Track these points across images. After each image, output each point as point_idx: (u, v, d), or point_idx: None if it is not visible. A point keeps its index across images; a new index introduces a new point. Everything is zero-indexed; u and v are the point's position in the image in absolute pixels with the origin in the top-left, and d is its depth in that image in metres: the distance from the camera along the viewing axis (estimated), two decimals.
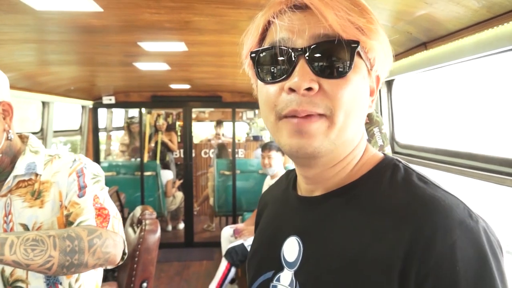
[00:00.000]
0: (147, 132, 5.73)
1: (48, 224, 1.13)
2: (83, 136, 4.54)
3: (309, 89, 0.56)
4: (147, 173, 5.07)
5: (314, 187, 0.67)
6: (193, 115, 5.62)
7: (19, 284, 1.11)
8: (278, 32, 0.59)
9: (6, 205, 1.13)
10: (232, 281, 3.52)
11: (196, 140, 7.07)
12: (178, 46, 2.20)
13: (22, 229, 1.12)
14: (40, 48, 2.22)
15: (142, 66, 2.95)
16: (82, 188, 1.15)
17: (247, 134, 7.71)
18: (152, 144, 5.85)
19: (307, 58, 0.56)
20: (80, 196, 1.13)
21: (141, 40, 2.05)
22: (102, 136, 5.64)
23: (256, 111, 7.11)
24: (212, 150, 6.51)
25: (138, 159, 5.25)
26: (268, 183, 3.74)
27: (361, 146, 0.65)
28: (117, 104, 4.83)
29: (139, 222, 2.16)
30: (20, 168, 1.14)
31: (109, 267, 1.12)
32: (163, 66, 2.99)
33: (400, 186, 0.59)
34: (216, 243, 4.81)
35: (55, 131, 3.69)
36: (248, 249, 3.29)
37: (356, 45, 0.57)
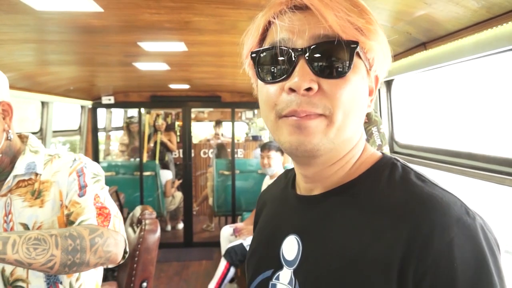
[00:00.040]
0: (146, 132, 5.73)
1: (48, 224, 1.13)
2: (82, 136, 4.54)
3: (308, 89, 0.56)
4: (146, 173, 5.07)
5: (313, 185, 0.68)
6: (192, 115, 5.62)
7: (20, 283, 1.11)
8: (278, 32, 0.59)
9: (6, 205, 1.13)
10: (231, 280, 3.52)
11: (195, 140, 7.07)
12: (178, 46, 2.20)
13: (22, 228, 1.12)
14: (40, 48, 2.22)
15: (142, 66, 2.95)
16: (82, 188, 1.15)
17: (246, 134, 7.71)
18: (151, 144, 5.84)
19: (307, 58, 0.57)
20: (80, 196, 1.14)
21: (141, 40, 2.05)
22: (101, 136, 5.63)
23: (255, 111, 7.12)
24: (211, 150, 6.51)
25: (137, 159, 5.25)
26: (267, 183, 3.74)
27: (360, 145, 0.66)
28: (116, 104, 4.83)
29: (139, 222, 2.16)
30: (20, 168, 1.14)
31: (109, 266, 1.13)
32: (162, 66, 2.99)
33: (398, 184, 0.60)
34: (215, 243, 4.81)
35: (54, 131, 3.69)
36: (247, 248, 3.29)
37: (355, 45, 0.57)
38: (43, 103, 3.49)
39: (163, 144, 5.86)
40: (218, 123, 6.64)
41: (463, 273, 0.49)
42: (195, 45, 2.21)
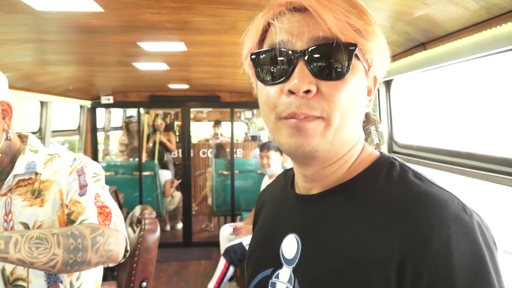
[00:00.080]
0: (145, 132, 5.73)
1: (48, 223, 1.13)
2: (81, 136, 4.54)
3: (307, 91, 0.57)
4: (145, 173, 5.07)
5: (312, 185, 0.68)
6: (191, 115, 5.62)
7: (20, 282, 1.11)
8: (277, 34, 0.59)
9: (6, 204, 1.13)
10: (230, 279, 3.52)
11: (194, 140, 7.07)
12: (177, 46, 2.20)
13: (23, 228, 1.12)
14: (40, 48, 2.22)
15: (141, 66, 2.95)
16: (83, 187, 1.15)
17: (245, 134, 7.71)
18: (150, 144, 5.84)
19: (306, 60, 0.57)
20: (81, 195, 1.14)
21: (141, 40, 2.06)
22: (100, 136, 5.63)
23: (255, 111, 7.12)
24: (210, 150, 6.51)
25: (137, 159, 5.25)
26: (266, 183, 3.74)
27: (358, 145, 0.67)
28: (116, 104, 4.83)
29: (139, 221, 2.16)
30: (20, 168, 1.14)
31: (110, 265, 1.13)
32: (162, 66, 3.00)
33: (396, 183, 0.60)
34: (214, 243, 4.81)
35: (53, 131, 3.69)
36: (247, 248, 3.29)
37: (354, 48, 0.58)
38: (42, 103, 3.48)
39: (162, 144, 5.86)
40: (217, 123, 6.64)
41: (461, 270, 0.50)
42: (195, 45, 2.21)
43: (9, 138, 1.14)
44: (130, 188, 4.91)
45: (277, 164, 3.53)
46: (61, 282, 1.15)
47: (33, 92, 3.17)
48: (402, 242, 0.53)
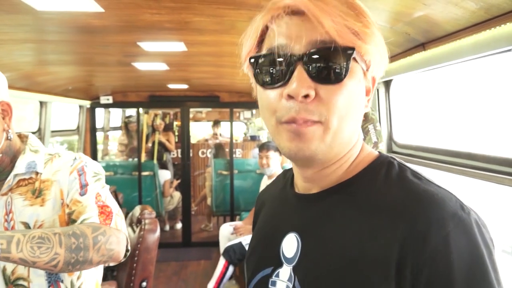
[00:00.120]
0: (144, 132, 5.73)
1: (49, 222, 1.13)
2: (80, 136, 4.53)
3: (306, 95, 0.57)
4: (144, 173, 5.07)
5: (311, 185, 0.69)
6: (190, 115, 5.62)
7: (21, 282, 1.11)
8: (276, 38, 0.60)
9: (7, 204, 1.13)
10: (229, 277, 3.52)
11: (193, 140, 7.07)
12: (177, 46, 2.21)
13: (23, 227, 1.12)
14: (40, 48, 2.22)
15: (141, 66, 2.96)
16: (83, 186, 1.15)
17: (245, 134, 7.71)
18: (149, 144, 5.84)
19: (304, 64, 0.58)
20: (82, 194, 1.14)
21: (141, 40, 2.06)
22: (99, 136, 5.63)
23: (254, 111, 7.12)
24: (209, 150, 6.51)
25: (136, 159, 5.25)
26: (265, 183, 3.74)
27: (357, 145, 0.67)
28: (115, 104, 4.83)
29: (139, 221, 2.17)
30: (20, 167, 1.14)
31: (111, 264, 1.13)
32: (161, 66, 3.00)
33: (394, 182, 0.61)
34: (213, 243, 4.81)
35: (52, 131, 3.69)
36: (246, 247, 3.30)
37: (352, 51, 0.58)
38: (41, 103, 3.48)
39: (161, 144, 5.86)
40: (216, 123, 6.64)
41: (459, 266, 0.51)
42: (194, 45, 2.21)
43: (9, 138, 1.14)
44: (129, 188, 4.91)
45: (276, 164, 3.54)
46: (62, 281, 1.15)
47: (33, 92, 3.17)
48: (401, 241, 0.54)
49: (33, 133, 3.37)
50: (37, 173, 1.17)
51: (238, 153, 6.54)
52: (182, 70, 3.29)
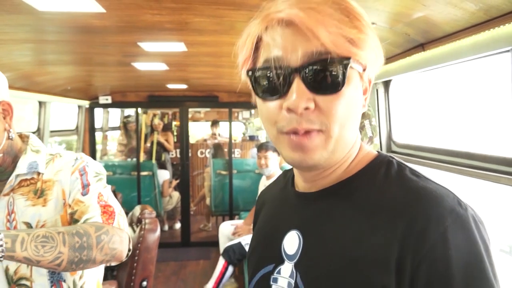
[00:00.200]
0: (143, 131, 5.72)
1: (51, 222, 1.14)
2: (79, 136, 4.53)
3: (306, 107, 0.58)
4: (143, 173, 5.07)
5: (312, 184, 0.70)
6: (189, 115, 5.62)
7: (24, 282, 1.12)
8: (271, 50, 0.60)
9: (9, 204, 1.13)
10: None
11: (192, 140, 7.07)
12: (177, 47, 2.21)
13: (26, 227, 1.12)
14: (40, 48, 2.22)
15: (141, 66, 2.96)
16: (85, 186, 1.16)
17: (243, 134, 7.72)
18: (148, 144, 5.84)
19: (302, 76, 0.58)
20: (84, 194, 1.14)
21: (141, 40, 2.06)
22: (98, 136, 5.62)
23: (252, 111, 7.12)
24: (208, 150, 6.51)
25: (135, 159, 5.25)
26: (264, 183, 3.75)
27: (356, 145, 0.68)
28: (114, 104, 4.82)
29: (139, 221, 2.17)
30: (22, 167, 1.15)
31: (113, 264, 1.14)
32: (161, 66, 3.00)
33: (394, 180, 0.62)
34: (212, 243, 4.82)
35: (51, 131, 3.69)
36: (245, 247, 3.31)
37: (348, 61, 0.58)
38: (40, 103, 3.48)
39: (160, 144, 5.86)
40: (215, 123, 6.64)
41: (457, 260, 0.52)
42: (194, 46, 2.22)
43: (10, 137, 1.15)
44: (128, 188, 4.91)
45: (274, 164, 3.54)
46: (64, 281, 1.16)
47: (32, 92, 3.16)
48: (401, 241, 0.55)
49: (33, 133, 3.37)
50: (38, 173, 1.17)
51: (236, 153, 6.55)
52: (182, 70, 3.30)
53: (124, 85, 4.36)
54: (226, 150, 5.79)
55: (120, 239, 1.10)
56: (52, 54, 2.43)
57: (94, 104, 4.65)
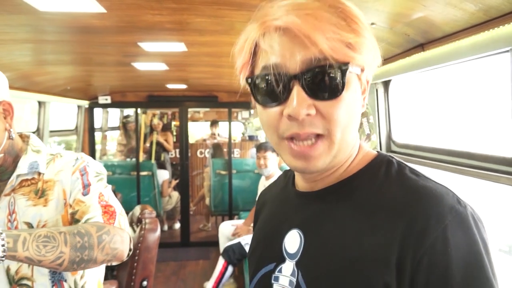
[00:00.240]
0: (142, 131, 5.72)
1: (52, 222, 1.14)
2: (78, 136, 4.53)
3: (308, 114, 0.59)
4: (143, 173, 5.06)
5: (313, 184, 0.70)
6: (188, 115, 5.62)
7: (25, 282, 1.12)
8: (270, 57, 0.60)
9: (10, 204, 1.14)
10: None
11: (191, 140, 7.07)
12: (178, 47, 2.21)
13: (27, 227, 1.12)
14: (40, 48, 2.22)
15: (140, 66, 2.96)
16: (86, 186, 1.16)
17: (243, 134, 7.72)
18: (147, 144, 5.84)
19: (301, 83, 0.58)
20: (84, 194, 1.15)
21: (142, 40, 2.06)
22: (97, 136, 5.62)
23: (252, 111, 7.12)
24: (207, 150, 6.51)
25: (134, 159, 5.24)
26: (263, 183, 3.75)
27: (356, 145, 0.69)
28: (113, 104, 4.82)
29: (139, 221, 2.17)
30: (23, 168, 1.15)
31: (114, 263, 1.14)
32: (161, 66, 3.00)
33: (394, 180, 0.63)
34: (212, 243, 4.82)
35: (51, 131, 3.69)
36: (245, 247, 3.32)
37: (347, 66, 0.59)
38: (40, 103, 3.48)
39: (159, 144, 5.86)
40: (214, 123, 6.64)
41: (456, 258, 0.53)
42: (194, 46, 2.22)
43: (11, 137, 1.15)
44: (127, 188, 4.90)
45: (273, 164, 3.54)
46: (65, 280, 1.16)
47: (31, 92, 3.16)
48: (402, 241, 0.55)
49: (32, 133, 3.37)
50: (39, 173, 1.17)
51: (236, 153, 6.55)
52: (181, 70, 3.30)
53: (124, 85, 4.35)
54: (225, 150, 5.79)
55: (121, 239, 1.10)
56: (52, 54, 2.43)
57: (94, 104, 4.65)
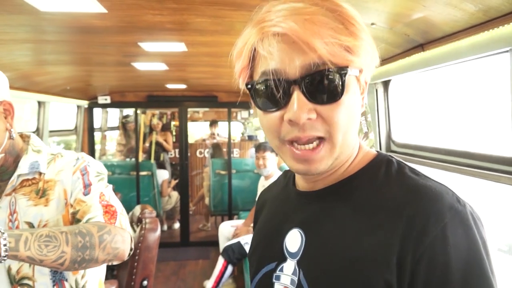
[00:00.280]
0: (142, 131, 5.72)
1: (53, 222, 1.14)
2: (78, 136, 4.53)
3: (308, 118, 0.59)
4: (142, 173, 5.06)
5: (313, 184, 0.71)
6: (188, 115, 5.62)
7: (26, 281, 1.12)
8: (269, 63, 0.60)
9: (11, 204, 1.14)
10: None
11: (191, 140, 7.06)
12: (178, 47, 2.21)
13: (28, 227, 1.13)
14: (40, 48, 2.21)
15: (140, 66, 2.96)
16: (87, 186, 1.16)
17: (242, 134, 7.72)
18: (147, 144, 5.84)
19: (301, 88, 0.59)
20: (85, 194, 1.15)
21: (142, 40, 2.06)
22: (97, 136, 5.62)
23: (251, 111, 7.12)
24: (207, 150, 6.52)
25: (134, 159, 5.24)
26: (262, 184, 3.75)
27: (356, 145, 0.70)
28: (113, 104, 4.82)
29: (139, 220, 2.17)
30: (23, 168, 1.15)
31: (115, 263, 1.14)
32: (161, 66, 3.00)
33: (394, 179, 0.64)
34: (211, 242, 4.82)
35: (50, 131, 3.69)
36: (245, 247, 3.32)
37: (346, 70, 0.59)
38: (39, 103, 3.48)
39: (158, 144, 5.86)
40: (213, 122, 6.64)
41: (456, 255, 0.53)
42: (195, 46, 2.22)
43: (12, 137, 1.15)
44: (127, 188, 4.90)
45: (272, 164, 3.54)
46: (66, 280, 1.16)
47: (31, 92, 3.16)
48: (401, 239, 0.56)
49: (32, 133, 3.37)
50: (40, 173, 1.17)
51: (235, 152, 6.54)
52: (181, 70, 3.30)
53: (123, 85, 4.35)
54: (225, 150, 5.79)
55: (122, 238, 1.11)
56: (52, 54, 2.43)
57: (93, 104, 4.65)
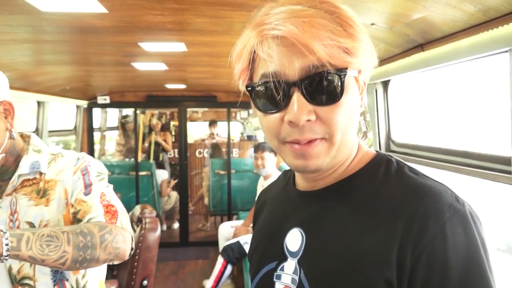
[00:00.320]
0: (141, 131, 5.72)
1: (54, 222, 1.14)
2: (77, 136, 4.52)
3: (308, 120, 0.60)
4: (142, 173, 5.06)
5: (313, 184, 0.71)
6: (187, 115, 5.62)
7: (27, 281, 1.12)
8: (269, 65, 0.61)
9: (12, 204, 1.14)
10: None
11: (190, 140, 7.06)
12: (178, 47, 2.22)
13: (28, 227, 1.13)
14: (40, 48, 2.22)
15: (140, 66, 2.96)
16: (88, 186, 1.16)
17: (241, 134, 7.72)
18: (146, 144, 5.84)
19: (301, 90, 0.59)
20: (86, 194, 1.15)
21: (142, 40, 2.07)
22: (96, 136, 5.61)
23: (250, 111, 7.12)
24: (206, 150, 6.52)
25: (133, 159, 5.24)
26: (261, 184, 3.75)
27: (355, 145, 0.70)
28: (112, 104, 4.82)
29: (139, 220, 2.18)
30: (24, 167, 1.15)
31: (115, 263, 1.14)
32: (160, 66, 3.00)
33: (393, 179, 0.64)
34: (211, 242, 4.83)
35: (50, 131, 3.68)
36: (244, 246, 3.32)
37: (345, 72, 0.60)
38: (39, 103, 3.48)
39: (158, 144, 5.86)
40: (213, 123, 6.64)
41: (455, 254, 0.54)
42: (194, 46, 2.23)
43: (12, 137, 1.15)
44: (126, 188, 4.90)
45: (271, 164, 3.54)
46: (67, 280, 1.16)
47: (31, 92, 3.16)
48: (401, 239, 0.56)
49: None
50: (41, 173, 1.17)
51: (235, 152, 6.54)
52: (181, 70, 3.30)
53: (123, 85, 4.35)
54: (224, 150, 5.79)
55: (123, 238, 1.11)
56: (52, 54, 2.43)
57: (92, 104, 4.65)
